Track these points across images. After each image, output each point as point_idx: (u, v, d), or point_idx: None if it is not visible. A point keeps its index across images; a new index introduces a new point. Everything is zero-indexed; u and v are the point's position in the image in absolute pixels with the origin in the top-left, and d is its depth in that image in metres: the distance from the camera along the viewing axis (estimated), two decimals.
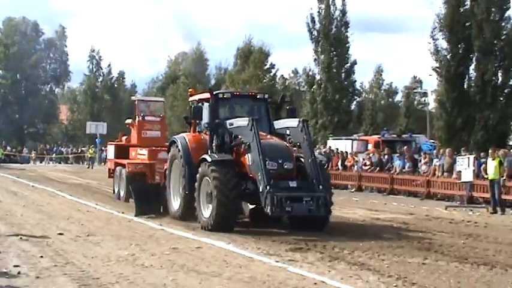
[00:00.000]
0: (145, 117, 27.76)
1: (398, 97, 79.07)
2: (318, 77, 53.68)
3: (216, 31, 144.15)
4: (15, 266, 11.29)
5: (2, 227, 16.71)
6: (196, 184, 17.06)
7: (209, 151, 17.46)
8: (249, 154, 16.66)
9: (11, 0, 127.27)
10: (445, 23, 39.36)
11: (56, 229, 16.40)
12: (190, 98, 20.67)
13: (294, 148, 17.81)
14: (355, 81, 56.05)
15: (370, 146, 36.42)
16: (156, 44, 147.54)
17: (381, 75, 77.75)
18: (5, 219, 18.50)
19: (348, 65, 52.50)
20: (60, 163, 67.90)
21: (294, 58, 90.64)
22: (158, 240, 15.12)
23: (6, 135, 77.81)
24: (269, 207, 15.26)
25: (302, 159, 17.12)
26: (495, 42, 38.31)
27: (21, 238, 14.68)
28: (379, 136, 39.77)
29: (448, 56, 39.34)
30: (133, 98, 35.09)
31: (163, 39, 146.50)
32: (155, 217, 19.27)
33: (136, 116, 27.77)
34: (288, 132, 18.02)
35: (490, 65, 38.02)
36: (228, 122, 17.83)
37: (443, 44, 39.83)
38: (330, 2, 50.93)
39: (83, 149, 70.68)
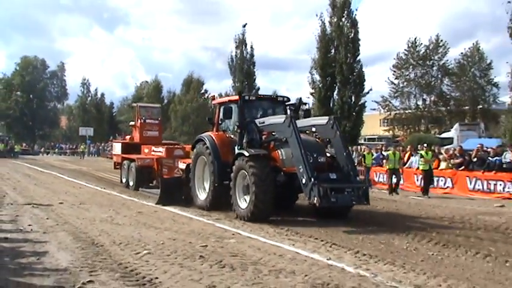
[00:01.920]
0: (147, 120, 24.09)
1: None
2: None
3: (169, 66, 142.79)
4: (28, 225, 11.06)
5: (19, 199, 16.23)
6: (232, 177, 13.00)
7: (237, 147, 13.61)
8: (281, 149, 13.01)
9: (27, 44, 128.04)
10: (318, 64, 40.08)
11: (57, 200, 16.02)
12: (214, 102, 16.76)
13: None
14: None
15: None
16: (127, 75, 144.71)
17: None
18: (21, 193, 17.97)
19: (254, 91, 52.54)
20: (60, 155, 66.00)
21: (219, 86, 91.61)
22: (128, 206, 14.91)
23: (22, 136, 76.97)
24: (316, 198, 11.30)
25: (327, 154, 13.12)
26: (350, 77, 39.25)
27: (33, 206, 14.33)
28: None
29: (320, 85, 40.03)
30: (134, 104, 28.81)
31: (132, 71, 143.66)
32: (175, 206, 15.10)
33: (138, 119, 24.02)
34: (313, 129, 13.72)
35: (347, 92, 38.99)
36: (257, 120, 13.94)
37: (317, 77, 40.57)
38: (243, 49, 50.96)
39: (76, 145, 69.98)
